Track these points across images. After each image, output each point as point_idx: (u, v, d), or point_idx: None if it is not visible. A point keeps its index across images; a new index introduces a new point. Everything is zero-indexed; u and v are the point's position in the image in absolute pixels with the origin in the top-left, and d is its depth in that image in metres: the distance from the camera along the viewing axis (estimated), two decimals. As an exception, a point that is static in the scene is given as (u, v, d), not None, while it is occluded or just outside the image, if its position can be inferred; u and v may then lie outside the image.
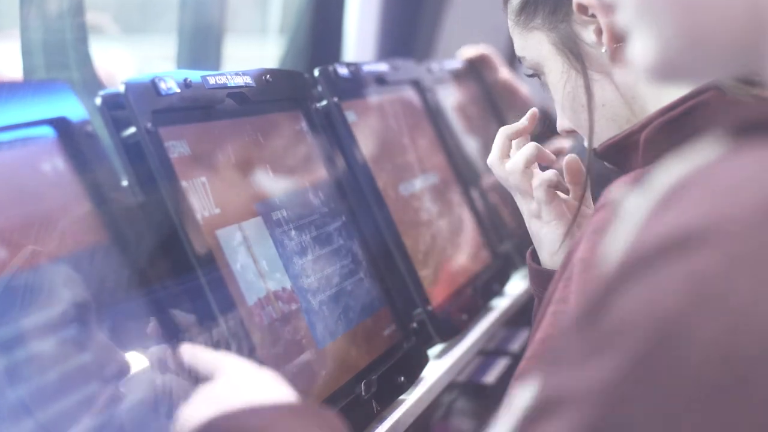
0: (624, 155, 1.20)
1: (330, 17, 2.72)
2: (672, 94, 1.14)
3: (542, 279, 1.34)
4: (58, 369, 0.95)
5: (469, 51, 2.50)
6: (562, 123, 1.32)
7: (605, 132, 1.23)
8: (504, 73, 2.48)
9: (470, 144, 2.27)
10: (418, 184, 1.89)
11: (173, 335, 1.11)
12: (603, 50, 1.19)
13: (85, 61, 1.82)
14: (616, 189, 1.05)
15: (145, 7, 2.37)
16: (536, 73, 1.31)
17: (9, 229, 0.98)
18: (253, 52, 3.07)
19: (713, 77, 0.89)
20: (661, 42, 0.64)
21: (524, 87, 2.51)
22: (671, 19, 0.62)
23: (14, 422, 0.89)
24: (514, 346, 2.02)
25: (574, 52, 1.22)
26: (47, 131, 1.08)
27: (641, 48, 0.65)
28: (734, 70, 0.70)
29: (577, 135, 1.30)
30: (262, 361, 1.18)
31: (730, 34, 0.61)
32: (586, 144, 1.28)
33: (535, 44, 1.28)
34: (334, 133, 1.64)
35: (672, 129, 1.12)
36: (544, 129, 2.50)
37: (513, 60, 2.53)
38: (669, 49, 0.64)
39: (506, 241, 2.11)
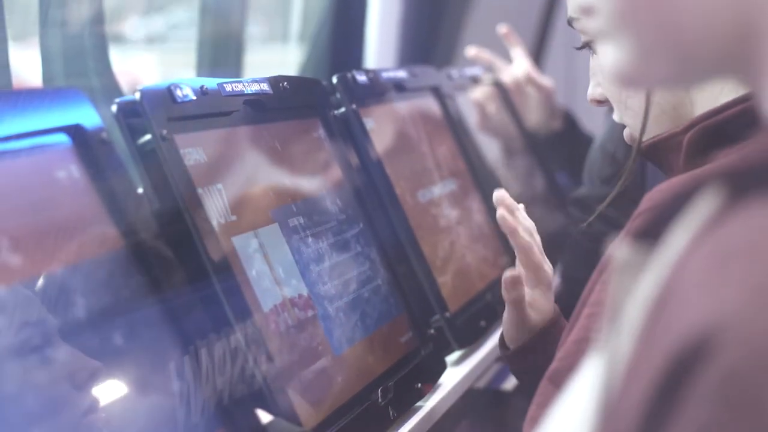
0: (665, 155, 1.18)
1: (351, 24, 2.73)
2: (726, 92, 1.12)
3: (521, 358, 1.37)
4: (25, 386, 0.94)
5: (471, 51, 2.51)
6: (594, 92, 1.29)
7: (650, 116, 1.21)
8: (518, 69, 2.49)
9: (490, 150, 2.26)
10: (437, 190, 1.89)
11: (189, 343, 1.11)
12: None
13: (105, 68, 1.83)
14: (658, 194, 1.03)
15: (167, 15, 2.38)
16: (587, 41, 1.28)
17: (24, 236, 0.98)
18: (273, 59, 3.08)
19: (697, 83, 0.87)
20: (638, 46, 0.61)
21: (546, 80, 2.51)
22: (653, 25, 0.60)
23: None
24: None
25: None
26: (62, 139, 1.09)
27: (616, 53, 0.63)
28: (719, 78, 0.67)
29: (607, 106, 1.29)
30: (278, 368, 1.18)
31: (716, 42, 0.59)
32: (615, 117, 1.26)
33: None
34: (353, 140, 1.64)
35: (716, 134, 1.10)
36: (568, 128, 2.52)
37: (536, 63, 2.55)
38: (646, 53, 0.61)
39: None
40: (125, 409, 1.04)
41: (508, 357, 1.41)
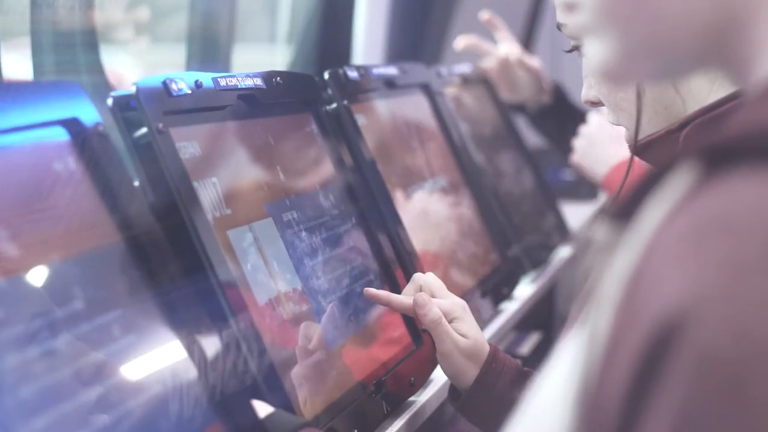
0: (661, 153, 1.19)
1: (338, 24, 2.73)
2: (716, 89, 1.13)
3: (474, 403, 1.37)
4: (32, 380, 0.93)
5: (461, 42, 2.52)
6: (587, 93, 1.30)
7: (642, 117, 1.22)
8: (504, 50, 2.50)
9: (479, 148, 2.27)
10: (428, 187, 1.89)
11: (185, 335, 1.11)
12: None
13: (96, 66, 1.83)
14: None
15: (154, 14, 2.38)
16: (576, 45, 1.29)
17: (21, 229, 0.98)
18: (261, 59, 3.08)
19: (680, 77, 0.87)
20: (621, 42, 0.62)
21: (534, 60, 2.52)
22: (636, 21, 0.60)
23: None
24: (524, 349, 2.03)
25: None
26: (59, 132, 1.08)
27: (599, 50, 0.63)
28: (700, 70, 0.68)
29: (600, 107, 1.29)
30: (273, 362, 1.18)
31: (698, 35, 0.59)
32: (611, 119, 1.27)
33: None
34: (344, 136, 1.64)
35: (713, 130, 1.11)
36: (558, 101, 2.54)
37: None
38: (629, 48, 0.62)
39: (515, 245, 2.11)
40: (120, 402, 1.03)
41: (460, 407, 1.40)
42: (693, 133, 1.13)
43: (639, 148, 1.23)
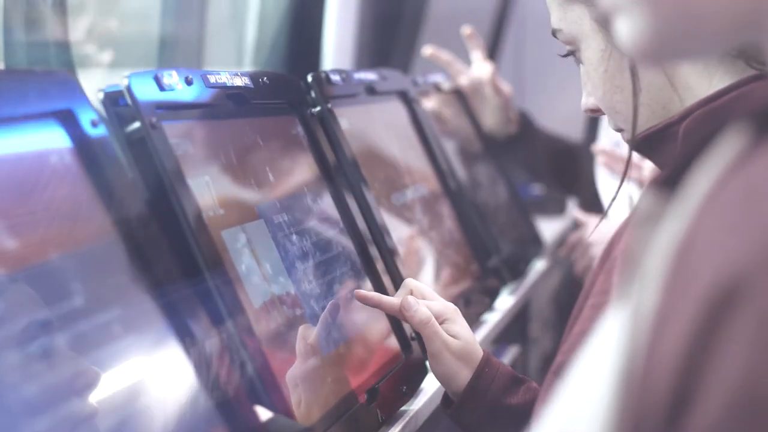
0: (660, 147, 1.16)
1: (307, 32, 2.70)
2: (716, 83, 1.11)
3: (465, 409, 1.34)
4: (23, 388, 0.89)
5: (428, 50, 2.50)
6: (587, 102, 1.28)
7: (640, 118, 1.20)
8: (478, 72, 2.48)
9: (455, 158, 2.24)
10: (409, 194, 1.86)
11: (179, 336, 1.06)
12: None
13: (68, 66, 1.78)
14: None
15: (125, 41, 2.34)
16: (571, 50, 1.27)
17: (15, 224, 0.93)
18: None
19: (709, 54, 0.85)
20: (654, 20, 0.59)
21: (505, 85, 2.52)
22: None
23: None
24: (505, 359, 1.99)
25: None
26: (53, 124, 1.03)
27: (631, 28, 0.60)
28: (731, 45, 0.65)
29: (601, 114, 1.27)
30: (271, 367, 1.14)
31: (728, 6, 0.57)
32: (610, 125, 1.25)
33: (575, 18, 1.23)
34: (329, 140, 1.60)
35: (713, 121, 1.09)
36: (525, 130, 2.53)
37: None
38: (662, 26, 0.59)
39: (494, 256, 2.08)
40: (113, 404, 0.99)
41: (453, 413, 1.37)
42: (693, 125, 1.11)
43: (638, 142, 1.20)
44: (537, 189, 3.09)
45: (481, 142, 2.48)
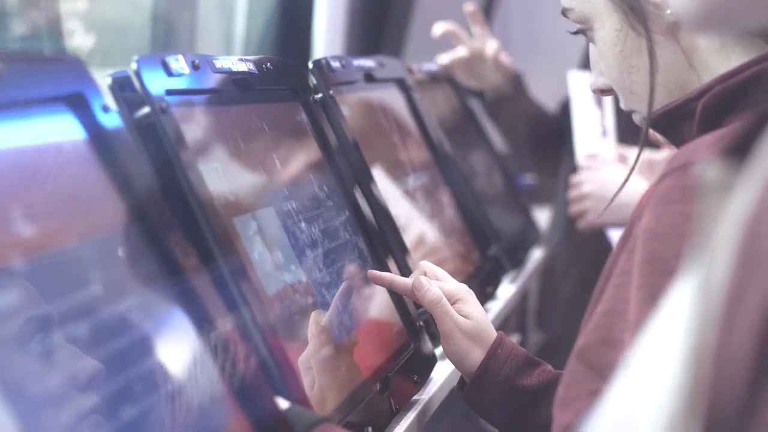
0: (677, 125, 1.14)
1: (297, 23, 2.68)
2: (734, 62, 1.09)
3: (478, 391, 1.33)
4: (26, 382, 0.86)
5: (439, 29, 2.50)
6: (596, 81, 1.25)
7: (657, 98, 1.17)
8: (481, 44, 2.50)
9: (452, 147, 2.22)
10: (411, 182, 1.83)
11: (196, 324, 1.04)
12: (668, 12, 1.13)
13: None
14: (683, 156, 1.00)
15: (119, 37, 2.31)
16: (582, 29, 1.24)
17: (28, 212, 0.90)
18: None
19: (757, 25, 0.83)
20: None
21: (505, 56, 2.54)
22: None
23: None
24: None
25: (635, 9, 1.16)
26: (62, 109, 1.01)
27: None
28: None
29: (612, 95, 1.25)
30: (286, 355, 1.11)
31: None
32: (623, 106, 1.23)
33: None
34: (332, 126, 1.57)
35: (732, 97, 1.07)
36: (517, 92, 2.54)
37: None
38: None
39: (494, 245, 2.06)
40: (127, 396, 0.96)
41: (466, 395, 1.34)
42: (712, 101, 1.09)
43: (654, 119, 1.18)
44: (529, 178, 3.07)
45: (475, 128, 2.48)
